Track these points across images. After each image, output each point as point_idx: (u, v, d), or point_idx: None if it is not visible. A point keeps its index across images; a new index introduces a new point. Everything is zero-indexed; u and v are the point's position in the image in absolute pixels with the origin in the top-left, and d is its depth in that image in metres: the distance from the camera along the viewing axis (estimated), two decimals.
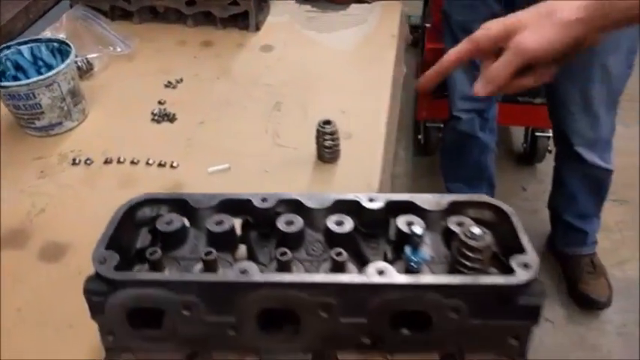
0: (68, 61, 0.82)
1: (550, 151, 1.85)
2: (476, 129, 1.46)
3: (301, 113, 0.87)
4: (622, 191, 1.89)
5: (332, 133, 0.75)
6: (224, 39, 1.09)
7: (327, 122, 0.75)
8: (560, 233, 1.57)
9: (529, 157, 1.98)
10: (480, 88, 0.56)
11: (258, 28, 1.11)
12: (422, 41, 1.99)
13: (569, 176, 1.46)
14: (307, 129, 0.78)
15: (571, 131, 1.34)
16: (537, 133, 1.87)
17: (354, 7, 1.16)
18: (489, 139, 1.52)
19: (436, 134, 1.91)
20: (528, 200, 1.87)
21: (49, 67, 0.86)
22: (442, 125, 1.80)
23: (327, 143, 0.76)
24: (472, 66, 1.16)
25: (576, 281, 1.51)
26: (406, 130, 2.19)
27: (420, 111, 1.93)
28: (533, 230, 1.74)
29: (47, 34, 0.98)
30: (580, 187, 1.45)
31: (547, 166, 1.84)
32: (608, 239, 1.72)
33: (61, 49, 0.88)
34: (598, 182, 1.44)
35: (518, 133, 2.08)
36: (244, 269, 0.47)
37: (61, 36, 0.95)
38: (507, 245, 0.51)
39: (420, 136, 2.01)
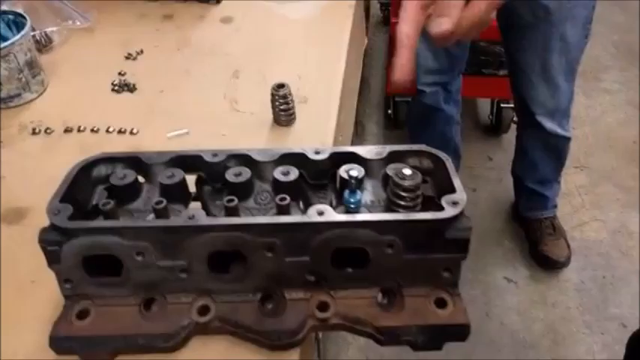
0: (23, 32, 0.83)
1: (515, 122, 1.91)
2: (440, 102, 1.50)
3: (259, 80, 0.89)
4: (583, 158, 1.98)
5: (285, 97, 0.77)
6: (185, 12, 1.10)
7: (281, 85, 0.77)
8: (523, 199, 1.63)
9: (495, 128, 2.04)
10: (434, 27, 0.51)
11: (218, 1, 1.11)
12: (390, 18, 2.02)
13: (530, 145, 1.51)
14: (264, 95, 0.80)
15: (532, 101, 1.38)
16: (502, 105, 1.93)
17: None
18: (453, 111, 1.56)
19: (405, 108, 1.95)
20: (494, 169, 1.93)
21: (6, 40, 0.86)
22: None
23: (282, 107, 0.78)
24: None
25: (537, 243, 1.58)
26: (377, 107, 2.23)
27: (388, 86, 1.97)
28: (499, 198, 1.81)
29: (3, 7, 0.98)
30: (541, 155, 1.51)
31: (512, 136, 1.89)
32: (570, 204, 1.80)
33: (17, 22, 0.88)
34: (557, 149, 1.50)
35: (484, 106, 2.14)
36: (192, 215, 0.50)
37: (18, 10, 0.95)
38: (443, 190, 0.54)
39: (389, 111, 2.04)
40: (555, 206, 1.63)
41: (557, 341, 1.42)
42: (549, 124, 1.41)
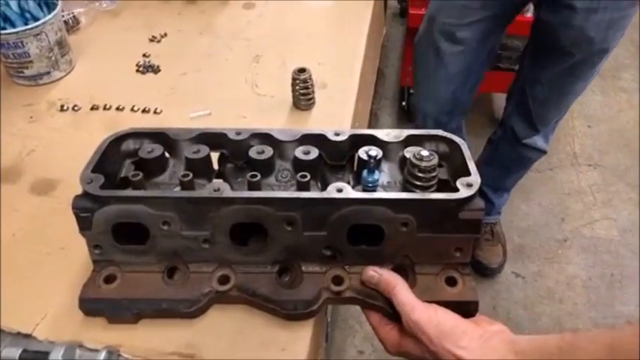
0: (55, 12, 0.85)
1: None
2: None
3: (279, 65, 0.91)
4: (597, 156, 1.97)
5: (305, 81, 0.80)
6: None
7: (302, 70, 0.79)
8: None
9: None
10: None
11: None
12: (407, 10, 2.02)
13: (504, 154, 1.42)
14: (284, 80, 0.82)
15: (536, 115, 1.28)
16: None
17: None
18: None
19: None
20: None
21: (37, 20, 0.89)
22: None
23: (302, 91, 0.80)
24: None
25: (474, 247, 1.54)
26: (392, 99, 2.24)
27: (403, 77, 1.98)
28: None
29: None
30: (511, 164, 1.45)
31: None
32: (582, 201, 1.80)
33: (48, 3, 0.91)
34: (530, 162, 1.43)
35: (498, 101, 2.13)
36: (217, 187, 0.53)
37: None
38: (458, 173, 0.56)
39: (404, 103, 2.05)
40: (499, 213, 1.61)
41: None
42: (535, 139, 1.33)
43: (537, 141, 1.33)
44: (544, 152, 1.37)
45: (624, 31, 1.06)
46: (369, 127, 1.42)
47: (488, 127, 2.09)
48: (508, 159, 1.42)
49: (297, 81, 0.80)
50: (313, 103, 0.82)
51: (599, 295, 1.53)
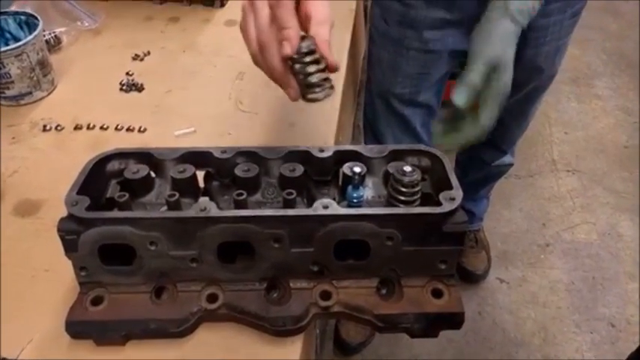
0: (36, 32, 0.85)
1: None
2: None
3: (262, 81, 0.92)
4: (575, 162, 2.02)
5: (312, 52, 0.52)
6: (190, 15, 1.13)
7: (303, 38, 0.53)
8: None
9: None
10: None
11: (222, 5, 1.15)
12: None
13: (474, 175, 1.43)
14: (268, 96, 0.83)
15: (501, 139, 1.31)
16: None
17: None
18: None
19: None
20: None
21: (17, 40, 0.89)
22: None
23: (311, 69, 0.53)
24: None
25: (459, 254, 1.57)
26: None
27: None
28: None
29: (13, 9, 1.00)
30: (481, 182, 1.46)
31: None
32: (561, 207, 1.85)
33: (29, 22, 0.90)
34: (500, 175, 1.45)
35: None
36: (204, 207, 0.53)
37: (29, 11, 0.97)
38: (441, 186, 0.58)
39: None
40: (481, 220, 1.63)
41: (548, 340, 1.46)
42: (504, 157, 1.35)
43: (505, 159, 1.36)
44: (512, 165, 1.40)
45: (566, 50, 1.10)
46: (353, 139, 1.44)
47: None
48: (478, 178, 1.44)
49: (302, 55, 0.52)
50: (331, 86, 0.56)
51: (581, 298, 1.56)
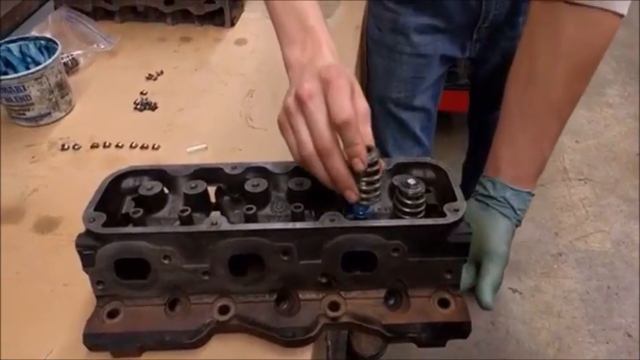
0: (55, 56, 0.89)
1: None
2: None
3: (272, 99, 0.95)
4: (587, 170, 2.01)
5: (374, 164, 0.53)
6: (202, 35, 1.17)
7: (369, 149, 0.53)
8: None
9: None
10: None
11: (233, 24, 1.18)
12: None
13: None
14: (277, 113, 0.85)
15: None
16: None
17: (322, 3, 1.24)
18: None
19: None
20: None
21: (37, 64, 0.93)
22: None
23: (373, 178, 0.54)
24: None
25: None
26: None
27: None
28: None
29: (34, 33, 1.05)
30: None
31: None
32: (574, 215, 1.83)
33: (48, 47, 0.95)
34: None
35: None
36: (215, 221, 0.55)
37: (47, 35, 1.02)
38: (445, 198, 0.59)
39: None
40: None
41: (563, 350, 1.44)
42: None
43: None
44: None
45: None
46: None
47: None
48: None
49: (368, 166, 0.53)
50: (379, 194, 0.56)
51: (596, 308, 1.54)
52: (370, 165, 0.52)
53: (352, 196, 0.54)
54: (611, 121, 2.24)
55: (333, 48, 0.60)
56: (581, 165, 2.03)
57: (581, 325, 1.50)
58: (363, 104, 0.54)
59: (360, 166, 0.51)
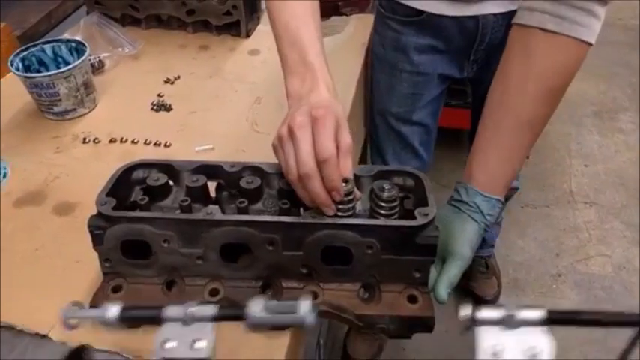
0: (83, 57, 0.98)
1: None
2: None
3: (278, 107, 1.02)
4: (593, 195, 2.02)
5: (349, 194, 0.61)
6: (219, 44, 1.25)
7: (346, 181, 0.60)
8: None
9: None
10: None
11: (248, 35, 1.26)
12: None
13: None
14: (280, 119, 0.91)
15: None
16: None
17: (333, 19, 1.32)
18: None
19: None
20: None
21: (67, 64, 1.02)
22: None
23: (348, 204, 0.61)
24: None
25: (468, 279, 1.62)
26: None
27: None
28: None
29: (67, 36, 1.15)
30: None
31: None
32: (577, 238, 1.85)
33: (78, 49, 1.04)
34: (505, 199, 1.46)
35: None
36: (210, 211, 0.62)
37: (79, 38, 1.11)
38: (421, 204, 0.65)
39: None
40: (492, 246, 1.65)
41: None
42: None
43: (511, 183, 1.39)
44: (517, 189, 1.43)
45: None
46: (365, 150, 1.50)
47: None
48: None
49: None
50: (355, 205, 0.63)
51: (592, 331, 1.55)
52: (346, 194, 0.59)
53: (329, 212, 0.61)
54: (621, 147, 2.25)
55: (329, 83, 0.67)
56: (588, 189, 2.04)
57: (574, 346, 1.51)
58: (346, 139, 0.60)
59: (336, 197, 0.59)
